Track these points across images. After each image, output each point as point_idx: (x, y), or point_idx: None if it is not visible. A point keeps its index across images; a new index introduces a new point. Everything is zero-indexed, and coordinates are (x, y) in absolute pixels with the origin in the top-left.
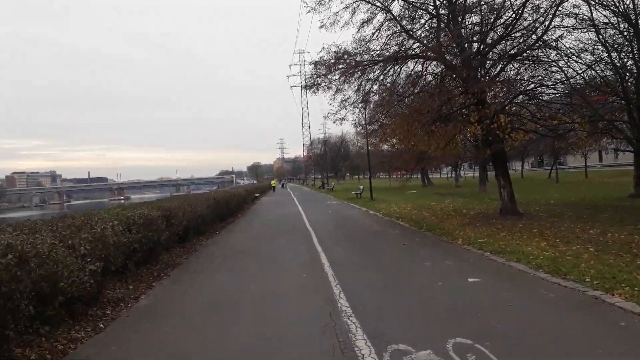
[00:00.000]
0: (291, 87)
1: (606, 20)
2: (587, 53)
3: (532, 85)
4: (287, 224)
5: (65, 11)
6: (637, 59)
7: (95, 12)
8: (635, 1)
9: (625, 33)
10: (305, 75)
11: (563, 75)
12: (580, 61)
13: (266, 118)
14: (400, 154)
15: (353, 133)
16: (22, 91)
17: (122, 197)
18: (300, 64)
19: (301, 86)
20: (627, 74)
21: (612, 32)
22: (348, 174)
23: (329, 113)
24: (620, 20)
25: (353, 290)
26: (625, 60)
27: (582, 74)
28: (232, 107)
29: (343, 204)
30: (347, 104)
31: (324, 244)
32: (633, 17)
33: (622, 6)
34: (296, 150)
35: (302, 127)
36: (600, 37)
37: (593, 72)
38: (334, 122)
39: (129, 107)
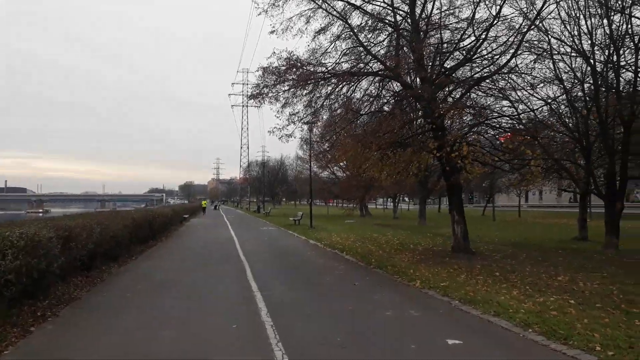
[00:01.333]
0: (232, 105)
1: (565, 56)
2: (547, 87)
3: (494, 115)
4: (217, 251)
5: None
6: (587, 98)
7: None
8: (593, 39)
9: (580, 70)
10: (247, 92)
11: (525, 107)
12: (537, 95)
13: (202, 136)
14: (347, 181)
15: (293, 157)
16: None
17: (41, 210)
18: (243, 83)
19: (242, 105)
20: (578, 113)
21: (568, 68)
22: (284, 199)
23: (274, 128)
24: (576, 55)
25: (300, 353)
26: (578, 97)
27: (539, 109)
28: (168, 122)
29: (280, 231)
30: (295, 119)
31: (260, 280)
32: (589, 53)
33: (579, 42)
34: (232, 172)
35: (241, 147)
36: (557, 72)
37: (550, 107)
38: (279, 138)
39: (57, 114)
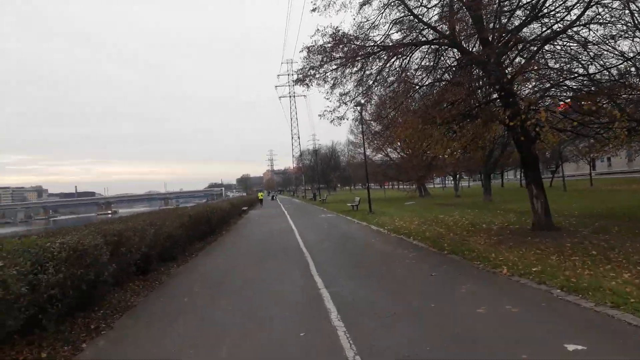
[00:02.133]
0: (280, 97)
1: None
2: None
3: (569, 76)
4: (277, 243)
5: (44, 21)
6: None
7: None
8: None
9: None
10: (293, 83)
11: (599, 65)
12: (615, 52)
13: (256, 130)
14: (406, 162)
15: (344, 143)
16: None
17: (110, 212)
18: (288, 74)
19: (289, 96)
20: None
21: None
22: (339, 185)
23: (324, 111)
24: None
25: None
26: None
27: (615, 67)
28: (222, 120)
29: (339, 218)
30: (347, 99)
31: (325, 274)
32: None
33: None
34: (286, 162)
35: (292, 137)
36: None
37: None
38: (330, 121)
39: (117, 121)
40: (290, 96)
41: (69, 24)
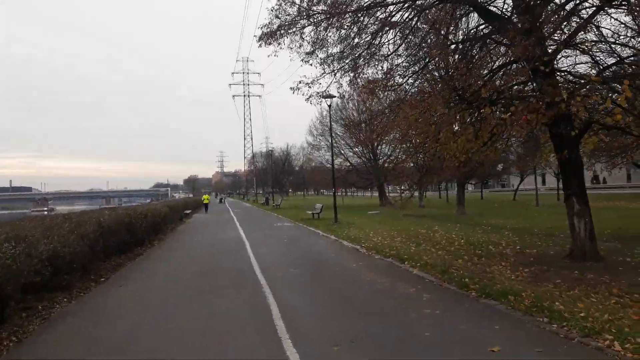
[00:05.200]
0: (233, 96)
1: None
2: None
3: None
4: (222, 264)
5: None
6: None
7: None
8: None
9: None
10: (248, 82)
11: None
12: None
13: (206, 130)
14: (401, 163)
15: (299, 147)
16: None
17: (46, 209)
18: (243, 72)
19: (244, 95)
20: None
21: None
22: (290, 190)
23: (299, 82)
24: None
25: None
26: None
27: None
28: (172, 118)
29: (300, 229)
30: (334, 66)
31: (301, 333)
32: None
33: None
34: (237, 164)
35: (244, 138)
36: None
37: None
38: (307, 99)
39: (61, 115)
40: (244, 95)
41: None
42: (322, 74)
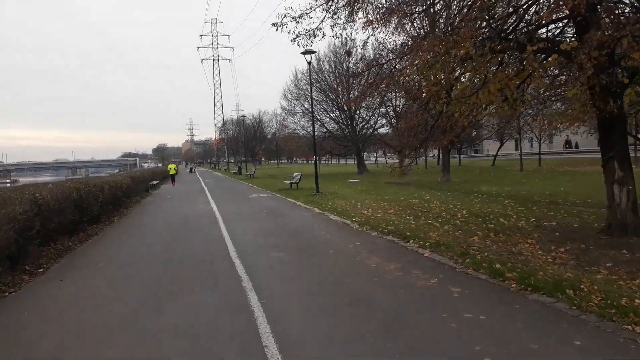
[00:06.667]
0: (202, 60)
1: None
2: None
3: None
4: (191, 247)
5: None
6: None
7: None
8: None
9: None
10: (217, 45)
11: None
12: None
13: (176, 98)
14: (408, 119)
15: (272, 113)
16: None
17: (8, 180)
18: (212, 34)
19: (213, 59)
20: None
21: None
22: (263, 159)
23: (285, 16)
24: None
25: None
26: None
27: None
28: (138, 84)
29: (278, 200)
30: None
31: (300, 356)
32: None
33: None
34: (207, 133)
35: (214, 105)
36: None
37: None
38: (293, 39)
39: (22, 81)
40: (214, 59)
41: None
42: (313, 6)
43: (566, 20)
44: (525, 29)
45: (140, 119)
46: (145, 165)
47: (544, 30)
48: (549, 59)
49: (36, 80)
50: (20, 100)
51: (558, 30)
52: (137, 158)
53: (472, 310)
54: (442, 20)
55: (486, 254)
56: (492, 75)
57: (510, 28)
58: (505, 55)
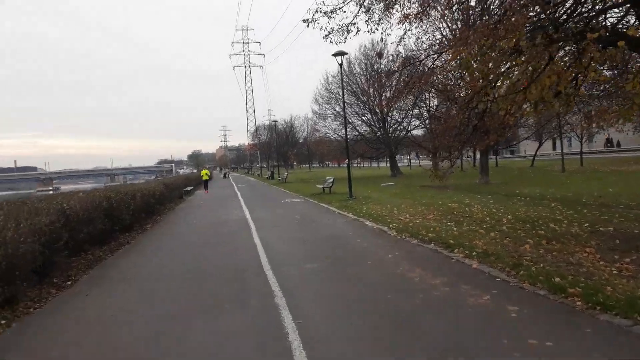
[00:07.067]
0: (234, 67)
1: None
2: None
3: None
4: (222, 259)
5: None
6: None
7: None
8: None
9: None
10: (248, 52)
11: None
12: None
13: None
14: (451, 117)
15: (303, 118)
16: None
17: (51, 188)
18: (243, 42)
19: (244, 66)
20: None
21: None
22: (295, 163)
23: (316, 11)
24: None
25: None
26: None
27: None
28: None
29: (310, 205)
30: None
31: None
32: None
33: None
34: (240, 138)
35: (246, 111)
36: None
37: None
38: (325, 36)
39: (63, 93)
40: (245, 66)
41: None
42: (346, 0)
43: (628, 5)
44: (583, 15)
45: (174, 125)
46: (181, 171)
47: (601, 18)
48: (611, 47)
49: (84, 95)
50: (65, 112)
51: (615, 20)
52: (173, 164)
53: (536, 334)
54: (479, 11)
55: (542, 265)
56: (546, 68)
57: (565, 15)
58: (560, 45)
